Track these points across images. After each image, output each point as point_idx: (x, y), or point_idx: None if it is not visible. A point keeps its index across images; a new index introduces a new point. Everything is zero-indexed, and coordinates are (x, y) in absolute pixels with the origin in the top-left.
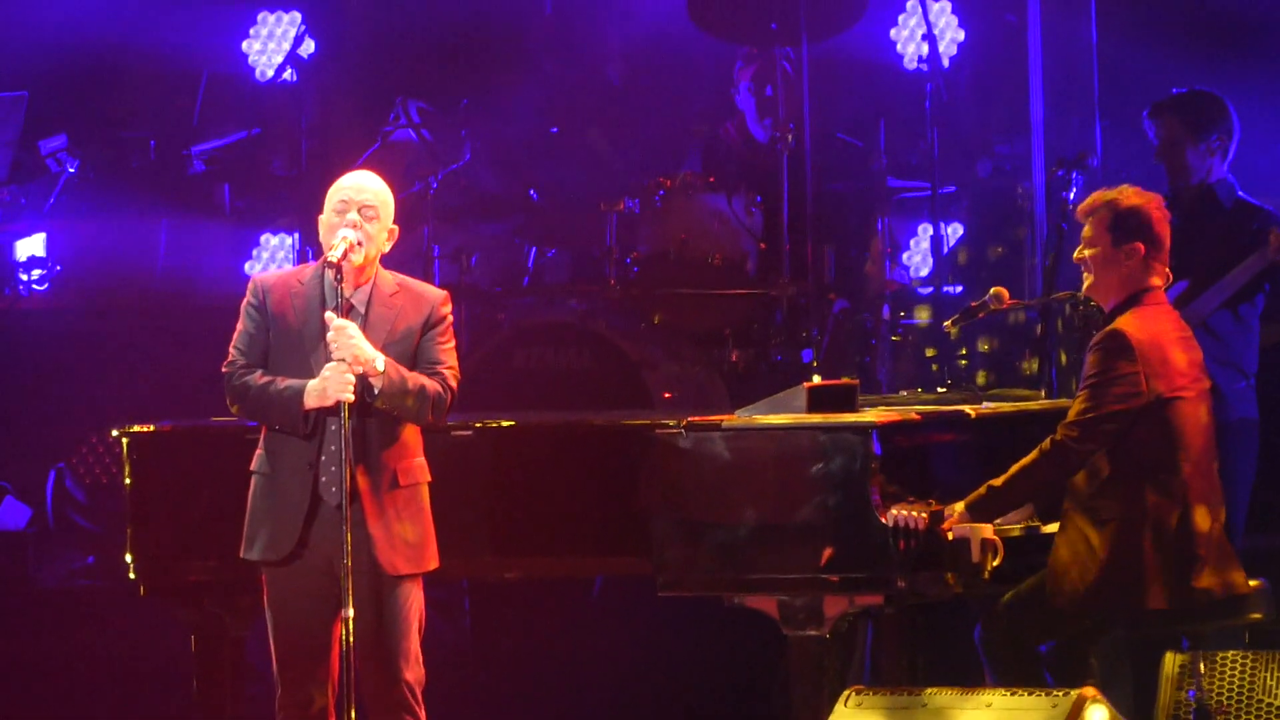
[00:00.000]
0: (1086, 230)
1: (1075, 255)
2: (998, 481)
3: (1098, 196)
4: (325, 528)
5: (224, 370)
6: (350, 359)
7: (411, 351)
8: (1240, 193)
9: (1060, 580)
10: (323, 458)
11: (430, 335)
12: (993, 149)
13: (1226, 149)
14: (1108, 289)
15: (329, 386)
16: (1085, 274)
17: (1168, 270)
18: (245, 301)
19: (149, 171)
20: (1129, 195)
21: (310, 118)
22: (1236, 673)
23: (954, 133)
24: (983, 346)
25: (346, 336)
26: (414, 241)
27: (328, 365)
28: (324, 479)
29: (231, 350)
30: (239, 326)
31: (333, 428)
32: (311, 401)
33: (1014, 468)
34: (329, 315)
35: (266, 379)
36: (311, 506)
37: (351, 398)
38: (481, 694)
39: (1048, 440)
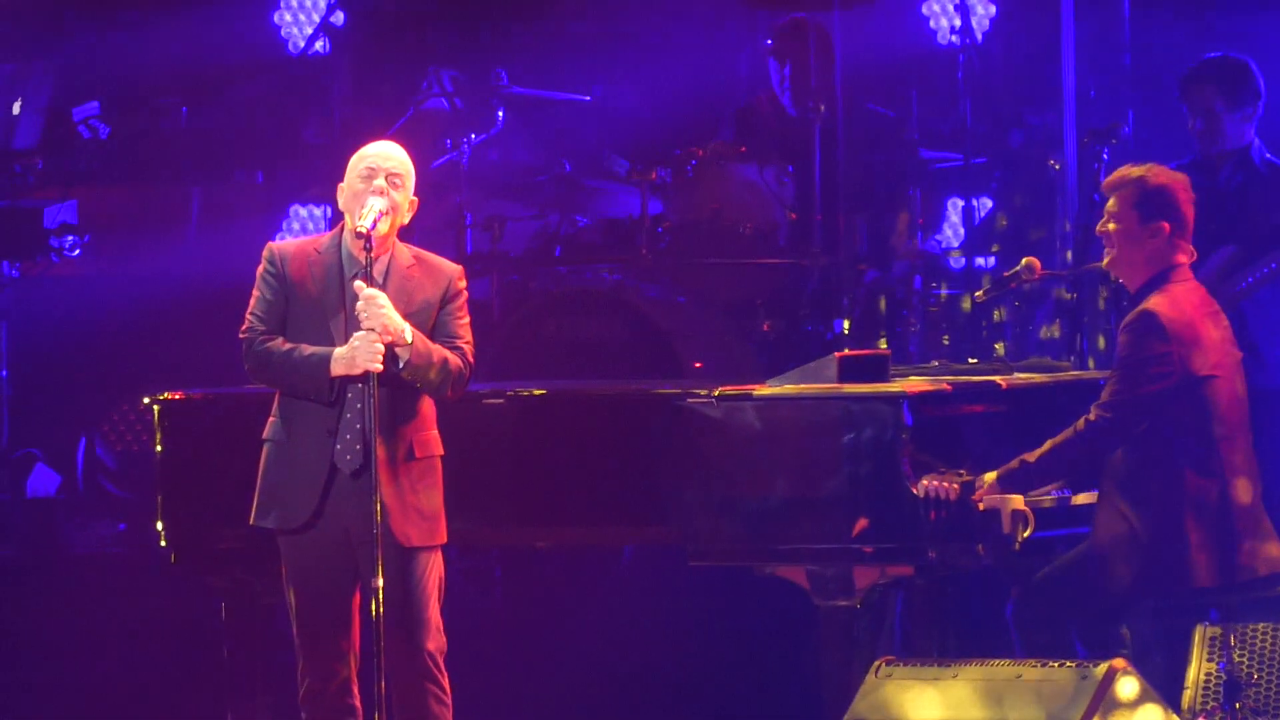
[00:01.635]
0: (1111, 204)
1: (1098, 228)
2: (1031, 457)
3: (1124, 172)
4: (341, 497)
5: (242, 337)
6: (380, 329)
7: (429, 325)
8: (1270, 156)
9: (1105, 564)
10: (340, 426)
11: (448, 310)
12: (1024, 120)
13: (1257, 114)
14: (1132, 266)
15: (358, 355)
16: (1107, 248)
17: (1192, 248)
18: (261, 269)
19: (181, 138)
20: (1157, 173)
21: (343, 86)
22: (1267, 644)
23: (986, 104)
24: (997, 316)
25: (377, 306)
26: (446, 211)
27: (356, 334)
28: (339, 447)
29: (249, 318)
30: (256, 294)
31: (350, 395)
32: (339, 369)
33: (1048, 444)
34: (358, 284)
35: (289, 346)
36: (329, 476)
37: (379, 367)
38: (511, 662)
39: (1082, 420)
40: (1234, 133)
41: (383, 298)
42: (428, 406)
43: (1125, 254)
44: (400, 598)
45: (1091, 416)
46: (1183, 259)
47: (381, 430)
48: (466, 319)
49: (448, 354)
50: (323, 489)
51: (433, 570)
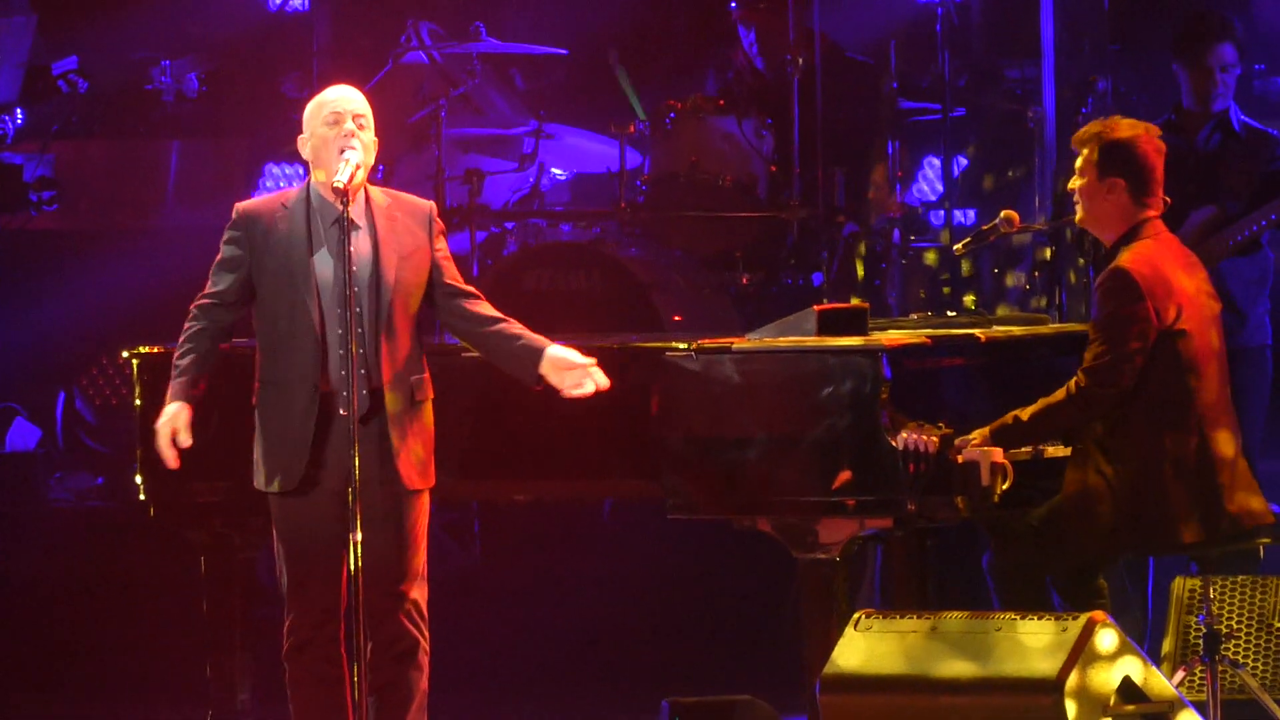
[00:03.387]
0: (1078, 160)
1: (1069, 184)
2: (1024, 415)
3: (1090, 127)
4: (342, 447)
5: (191, 307)
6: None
7: (424, 266)
8: (1246, 118)
9: (1084, 518)
10: (343, 373)
11: (441, 253)
12: (1003, 73)
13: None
14: (1098, 222)
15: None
16: (1076, 203)
17: (1163, 200)
18: (227, 231)
19: (159, 93)
20: (1119, 127)
21: (322, 40)
22: (1245, 597)
23: (965, 56)
24: (966, 270)
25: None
26: (424, 164)
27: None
28: (345, 394)
29: (208, 284)
30: (218, 258)
31: (340, 352)
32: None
33: (1040, 404)
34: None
35: (185, 361)
36: (324, 426)
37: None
38: (490, 616)
39: (1072, 383)
40: (1226, 91)
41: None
42: (418, 350)
43: (1091, 210)
44: (395, 542)
45: (1081, 381)
46: (1152, 213)
47: (387, 376)
48: (452, 264)
49: (504, 318)
50: (313, 443)
51: (424, 515)
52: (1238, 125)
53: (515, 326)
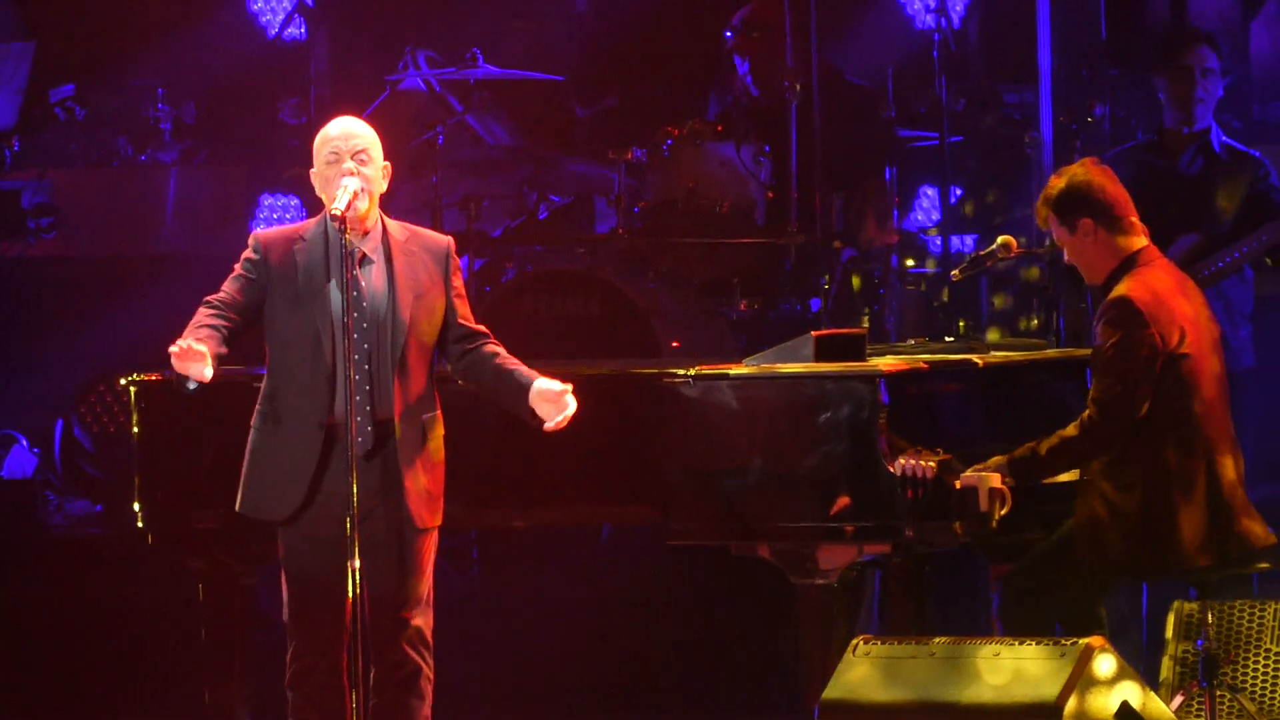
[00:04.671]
0: (1053, 234)
1: (1066, 260)
2: (1041, 448)
3: (1039, 202)
4: (344, 479)
5: (207, 301)
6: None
7: (440, 305)
8: (1228, 139)
9: (1088, 545)
10: (340, 411)
11: (456, 290)
12: (1001, 98)
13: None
14: (1091, 268)
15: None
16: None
17: (1140, 225)
18: (245, 255)
19: (156, 120)
20: (1060, 178)
21: (319, 68)
22: (1244, 622)
23: (962, 83)
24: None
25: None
26: (422, 190)
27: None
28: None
29: (221, 290)
30: (232, 273)
31: (357, 377)
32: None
33: (1056, 437)
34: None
35: (200, 324)
36: (332, 457)
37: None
38: (489, 643)
39: (1084, 415)
40: (1207, 110)
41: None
42: (432, 387)
43: (1082, 263)
44: (402, 576)
45: (1094, 414)
46: (1138, 242)
47: (400, 412)
48: (466, 303)
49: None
50: (313, 476)
51: (432, 544)
52: (1219, 147)
53: (511, 363)
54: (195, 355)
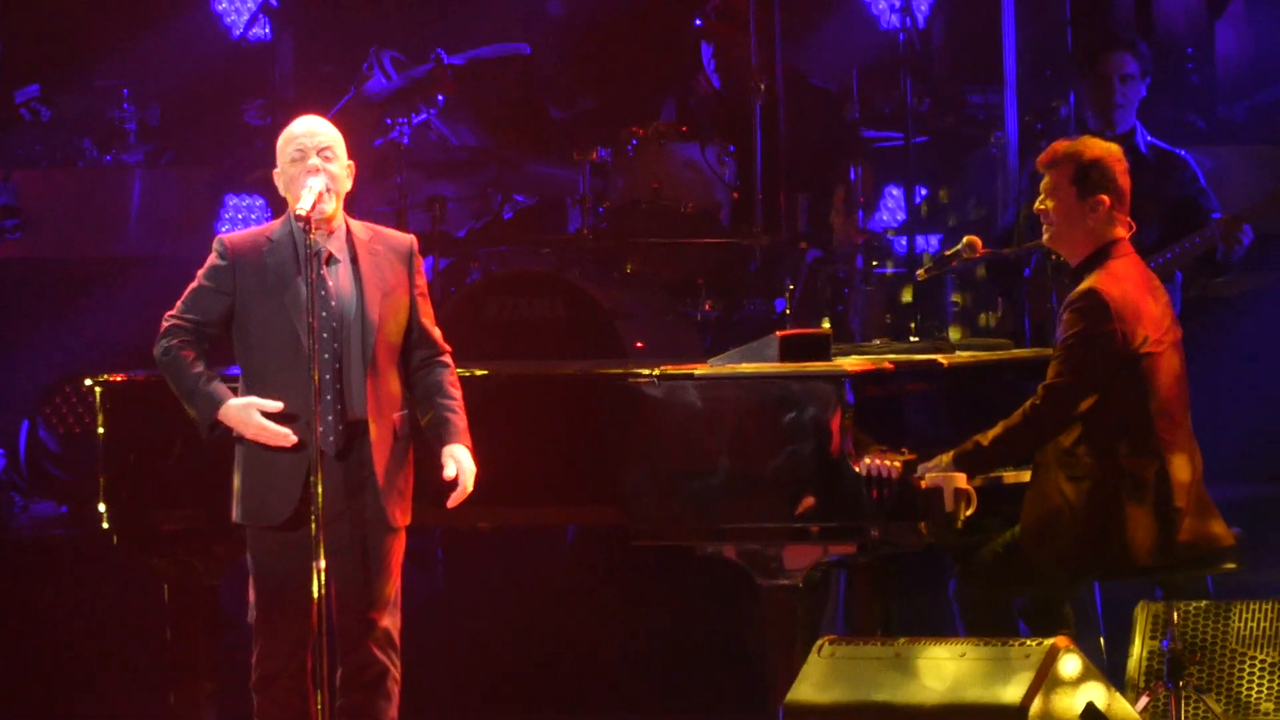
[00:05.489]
0: (1046, 181)
1: (1035, 206)
2: (985, 439)
3: (1058, 147)
4: (325, 481)
5: (166, 323)
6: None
7: (405, 303)
8: (1153, 139)
9: (1040, 537)
10: (318, 410)
11: (419, 289)
12: (966, 98)
13: (1140, 94)
14: (1073, 242)
15: (246, 429)
16: (1045, 225)
17: (1130, 220)
18: (210, 261)
19: (121, 121)
20: (1092, 147)
21: (284, 69)
22: (1209, 622)
23: (927, 84)
24: (907, 298)
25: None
26: (387, 191)
27: (253, 422)
28: (321, 430)
29: (179, 306)
30: (195, 284)
31: (327, 377)
32: (225, 417)
33: (999, 427)
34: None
35: (195, 371)
36: (308, 464)
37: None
38: (454, 644)
39: (1029, 403)
40: (1130, 110)
41: (470, 473)
42: (401, 388)
43: (1065, 230)
44: (371, 576)
45: (1038, 399)
46: (1122, 232)
47: (372, 413)
48: (429, 302)
49: (455, 402)
50: (306, 477)
51: (400, 545)
52: (1144, 148)
53: (446, 406)
54: (280, 438)
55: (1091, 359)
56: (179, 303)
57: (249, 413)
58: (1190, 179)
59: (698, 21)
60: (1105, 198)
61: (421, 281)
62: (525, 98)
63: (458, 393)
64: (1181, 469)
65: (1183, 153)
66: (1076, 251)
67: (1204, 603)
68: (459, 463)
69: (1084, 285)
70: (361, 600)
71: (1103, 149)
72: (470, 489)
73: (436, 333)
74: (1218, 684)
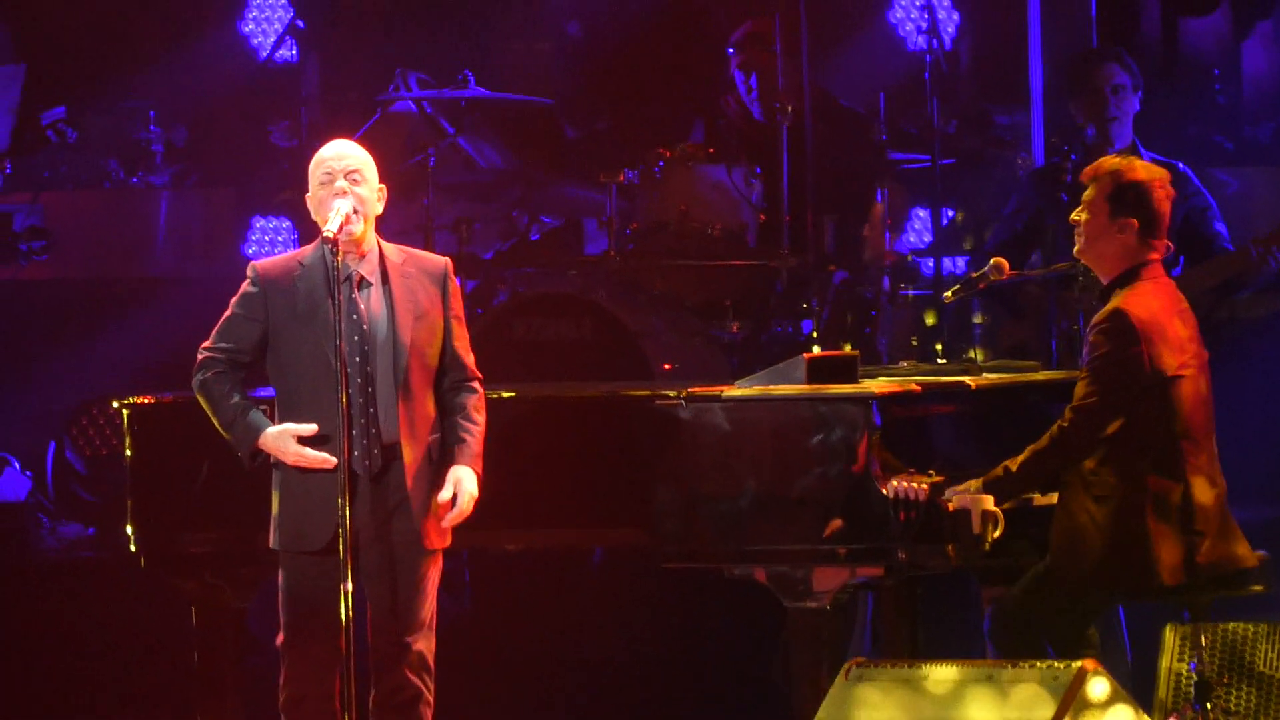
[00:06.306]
0: (1088, 193)
1: (1071, 216)
2: (1014, 465)
3: (1104, 162)
4: (360, 504)
5: (201, 355)
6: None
7: (438, 328)
8: (1151, 154)
9: (1067, 556)
10: (354, 432)
11: (454, 313)
12: (992, 119)
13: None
14: (1101, 259)
15: (286, 456)
16: (1076, 234)
17: (1168, 242)
18: (242, 289)
19: (148, 143)
20: (1135, 169)
21: (310, 90)
22: (1237, 644)
23: (954, 105)
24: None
25: (467, 507)
26: (414, 213)
27: (290, 450)
28: (356, 454)
29: (213, 336)
30: (230, 311)
31: (360, 400)
32: (264, 445)
33: (1028, 451)
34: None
35: (233, 401)
36: (352, 481)
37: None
38: (482, 666)
39: (1056, 425)
40: (1127, 121)
41: (469, 497)
42: (435, 411)
43: (1094, 245)
44: (405, 599)
45: (1065, 421)
46: (1154, 256)
47: (406, 435)
48: (464, 327)
49: (478, 427)
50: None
51: (437, 568)
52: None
53: (466, 428)
54: (319, 461)
55: (1118, 380)
56: (213, 333)
57: (285, 440)
58: (1194, 192)
59: (730, 51)
60: (1135, 221)
61: (457, 305)
62: (545, 117)
63: (480, 418)
64: (1204, 491)
65: (1181, 165)
66: (1104, 269)
67: (1232, 625)
68: (458, 483)
69: (1110, 306)
70: (396, 623)
71: (1147, 173)
72: (467, 512)
73: (469, 359)
74: (1246, 707)
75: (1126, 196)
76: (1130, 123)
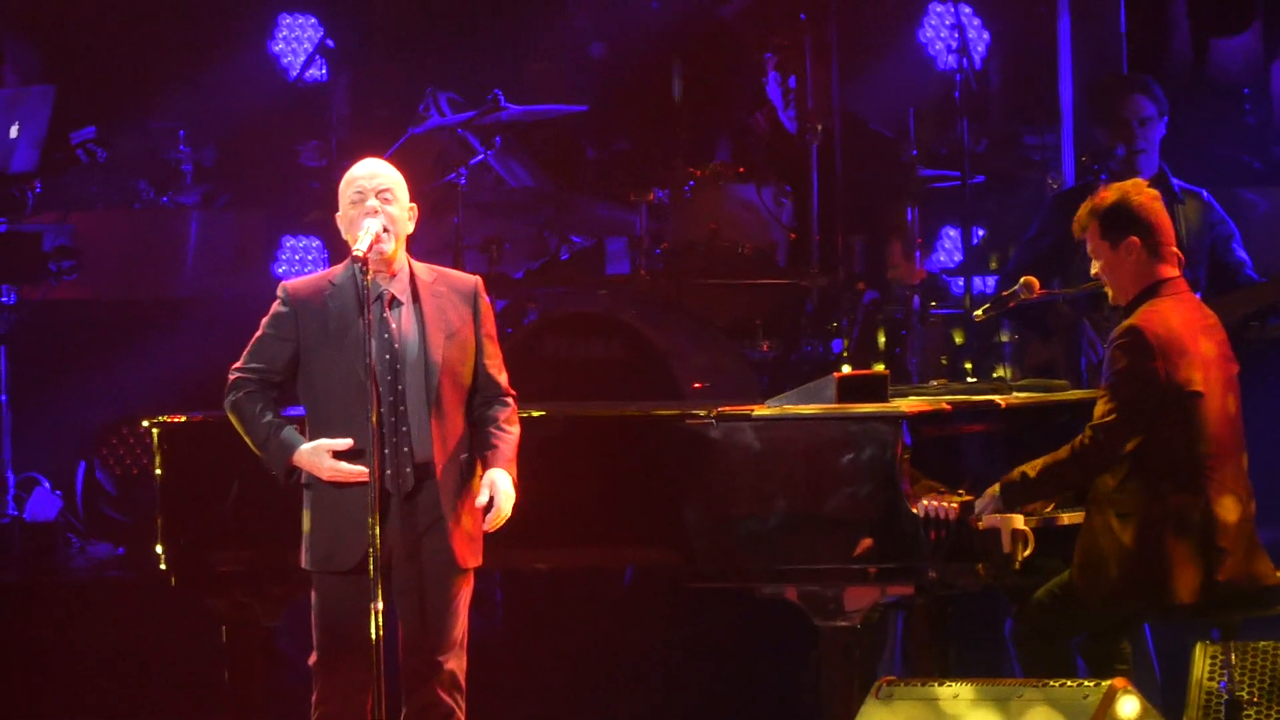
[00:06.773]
0: (1088, 245)
1: (1092, 271)
2: (1031, 471)
3: (1082, 209)
4: (392, 523)
5: (232, 376)
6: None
7: (469, 346)
8: (1183, 183)
9: (1088, 574)
10: (386, 451)
11: (485, 331)
12: (1022, 139)
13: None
14: (1121, 289)
15: (320, 472)
16: (1106, 287)
17: (1178, 253)
18: (273, 309)
19: (177, 163)
20: (1106, 194)
21: (340, 110)
22: (1268, 664)
23: (984, 123)
24: (959, 339)
25: (503, 513)
26: (444, 232)
27: (325, 466)
28: (389, 472)
29: (244, 356)
30: (261, 331)
31: (393, 419)
32: (299, 461)
33: (1045, 460)
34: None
35: (266, 420)
36: (385, 500)
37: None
38: (513, 685)
39: (1076, 440)
40: (1154, 151)
41: (507, 508)
42: (467, 429)
43: (1114, 279)
44: (438, 618)
45: (1086, 437)
46: (1169, 271)
47: (441, 455)
48: (497, 345)
49: (511, 439)
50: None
51: (469, 587)
52: (1177, 189)
53: (497, 436)
54: (354, 474)
55: (1136, 395)
56: (244, 353)
57: (320, 456)
58: (1219, 220)
59: (769, 55)
60: (1134, 238)
61: (489, 324)
62: (574, 137)
63: (513, 429)
64: (1229, 509)
65: (1205, 194)
66: (1127, 294)
67: (1262, 643)
68: (493, 485)
69: (1126, 323)
70: (428, 642)
71: (1117, 191)
72: (507, 513)
73: (503, 378)
74: None
75: (1113, 222)
76: (1157, 151)
